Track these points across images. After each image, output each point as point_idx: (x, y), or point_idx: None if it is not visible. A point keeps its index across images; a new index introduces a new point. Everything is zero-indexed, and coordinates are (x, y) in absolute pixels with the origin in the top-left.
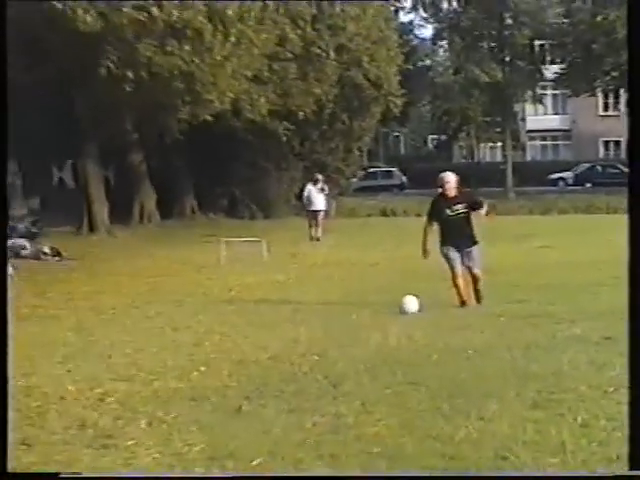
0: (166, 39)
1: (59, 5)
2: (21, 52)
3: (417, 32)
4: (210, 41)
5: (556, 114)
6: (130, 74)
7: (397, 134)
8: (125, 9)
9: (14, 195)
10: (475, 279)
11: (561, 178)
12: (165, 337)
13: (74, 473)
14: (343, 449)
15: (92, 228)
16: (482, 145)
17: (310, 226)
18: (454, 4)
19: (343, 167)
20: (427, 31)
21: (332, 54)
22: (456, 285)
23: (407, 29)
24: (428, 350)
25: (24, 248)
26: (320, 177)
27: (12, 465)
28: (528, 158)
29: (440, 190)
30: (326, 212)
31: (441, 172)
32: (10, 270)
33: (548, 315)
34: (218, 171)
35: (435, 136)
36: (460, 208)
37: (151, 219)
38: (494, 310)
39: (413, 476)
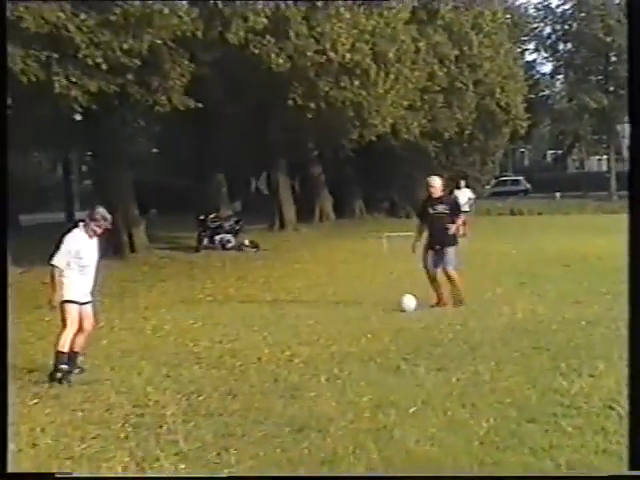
0: (340, 76)
1: (257, 50)
2: (227, 88)
3: (539, 68)
4: (375, 78)
5: None
6: (312, 104)
7: (522, 150)
8: (309, 53)
9: (222, 200)
10: (450, 279)
11: None
12: (339, 311)
13: (68, 473)
14: (481, 400)
15: (282, 225)
16: (591, 158)
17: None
18: (569, 45)
19: (480, 176)
20: (547, 67)
21: (471, 87)
22: (433, 287)
23: (531, 66)
24: (549, 321)
25: (229, 241)
26: (464, 184)
27: (11, 466)
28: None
29: (428, 192)
30: (469, 212)
31: (559, 181)
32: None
33: None
34: (380, 180)
35: (553, 151)
36: (441, 209)
37: (328, 218)
38: (601, 289)
39: (414, 476)
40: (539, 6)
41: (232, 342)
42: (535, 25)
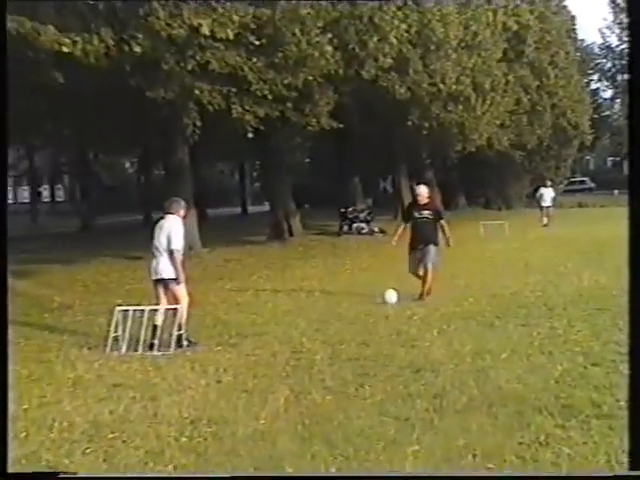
0: (447, 103)
1: (384, 83)
2: (361, 112)
3: (601, 94)
4: (474, 103)
5: None
6: (426, 124)
7: (588, 157)
8: (424, 85)
9: (357, 197)
10: (425, 273)
11: None
12: (447, 281)
13: (72, 473)
14: (556, 348)
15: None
16: None
17: (542, 216)
18: (625, 76)
19: (555, 178)
20: (607, 94)
21: (548, 109)
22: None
23: (595, 93)
24: (609, 288)
25: (363, 228)
26: (549, 183)
27: (13, 465)
28: None
29: (414, 198)
30: (552, 207)
31: (617, 180)
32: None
33: None
34: (478, 181)
35: (612, 157)
36: (426, 214)
37: None
38: None
39: (413, 476)
40: (602, 46)
41: (366, 304)
42: (598, 61)
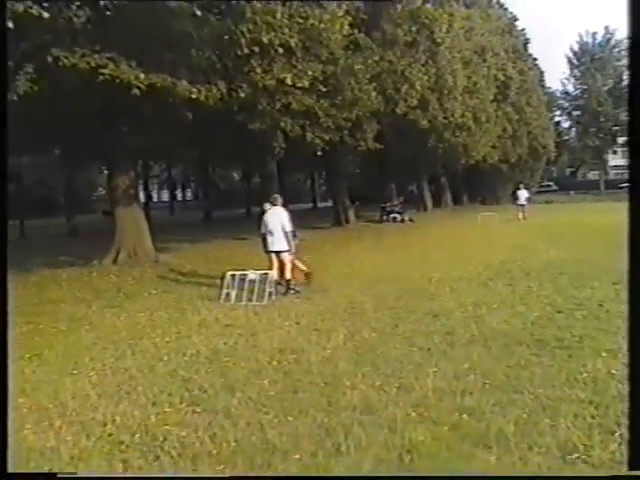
0: (455, 130)
1: (412, 117)
2: (395, 137)
3: (562, 125)
4: (474, 131)
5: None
6: (440, 145)
7: (552, 168)
8: (439, 118)
9: (393, 196)
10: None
11: (620, 187)
12: (456, 254)
13: (71, 473)
14: (531, 301)
15: (424, 209)
16: (590, 172)
17: (518, 212)
18: (578, 112)
19: (529, 183)
20: (566, 124)
21: (525, 135)
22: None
23: (557, 123)
24: (569, 260)
25: (397, 218)
26: (522, 186)
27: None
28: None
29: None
30: (526, 204)
31: (573, 184)
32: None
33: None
34: (477, 185)
35: (569, 168)
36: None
37: (448, 205)
38: (598, 241)
39: (413, 476)
40: (562, 91)
41: (399, 271)
42: (560, 101)
